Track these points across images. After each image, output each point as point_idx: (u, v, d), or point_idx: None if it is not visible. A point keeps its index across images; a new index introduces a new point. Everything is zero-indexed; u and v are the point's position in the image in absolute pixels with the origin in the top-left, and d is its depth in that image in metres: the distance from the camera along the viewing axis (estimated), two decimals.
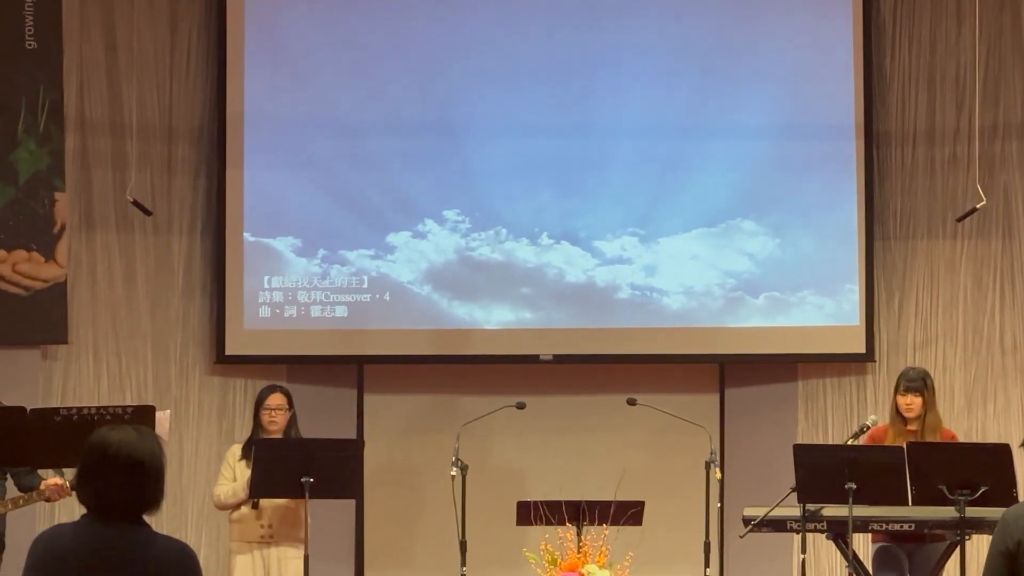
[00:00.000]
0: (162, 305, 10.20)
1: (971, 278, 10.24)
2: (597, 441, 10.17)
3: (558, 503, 8.28)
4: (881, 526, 8.08)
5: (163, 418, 7.30)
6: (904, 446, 7.87)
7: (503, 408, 9.08)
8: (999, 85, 10.23)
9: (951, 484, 7.64)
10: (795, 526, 8.02)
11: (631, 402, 9.16)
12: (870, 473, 7.73)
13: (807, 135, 10.11)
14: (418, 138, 10.15)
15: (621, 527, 8.18)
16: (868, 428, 8.40)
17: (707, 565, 8.42)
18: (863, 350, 10.10)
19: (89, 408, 7.17)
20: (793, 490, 7.86)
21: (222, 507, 8.64)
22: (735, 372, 10.27)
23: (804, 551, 8.05)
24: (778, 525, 8.05)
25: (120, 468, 4.16)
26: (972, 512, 7.66)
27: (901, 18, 10.33)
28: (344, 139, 10.16)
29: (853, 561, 8.13)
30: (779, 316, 10.11)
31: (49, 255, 9.86)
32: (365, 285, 10.16)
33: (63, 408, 7.31)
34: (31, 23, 9.80)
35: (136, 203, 9.40)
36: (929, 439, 8.28)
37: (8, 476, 8.03)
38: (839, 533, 7.99)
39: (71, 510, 8.34)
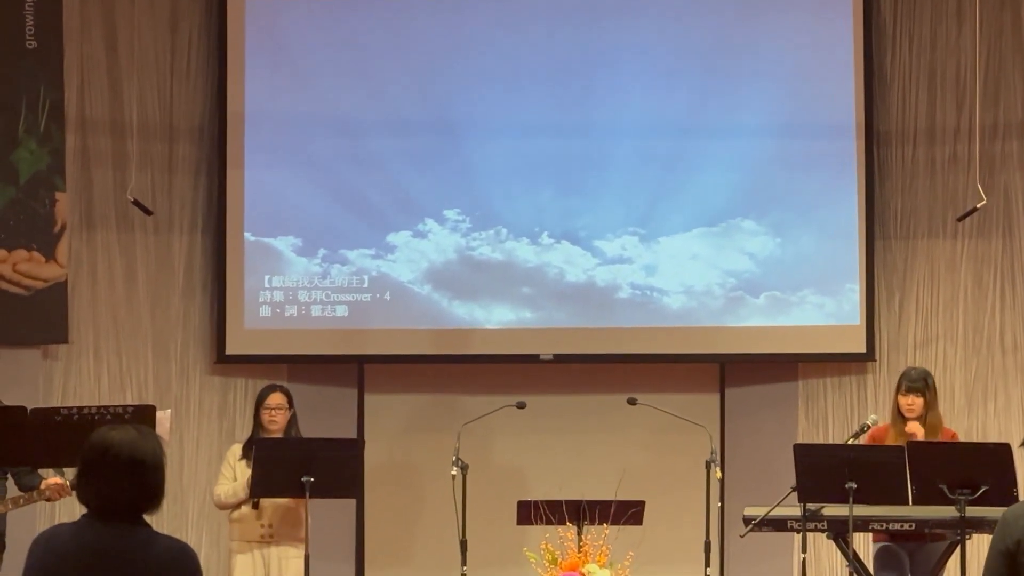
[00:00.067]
0: (163, 305, 10.20)
1: (971, 277, 10.24)
2: (597, 441, 10.18)
3: (558, 503, 8.28)
4: (881, 526, 8.08)
5: (163, 418, 7.31)
6: (904, 445, 7.87)
7: (503, 408, 9.08)
8: (999, 84, 10.23)
9: (951, 484, 7.63)
10: (795, 526, 8.02)
11: (631, 401, 9.16)
12: (870, 473, 7.72)
13: (807, 134, 10.11)
14: (418, 138, 10.15)
15: (621, 526, 8.18)
16: (868, 427, 8.39)
17: (707, 564, 8.42)
18: (863, 349, 10.10)
19: (90, 408, 7.18)
20: (793, 489, 7.86)
21: (222, 507, 8.64)
22: (735, 371, 10.27)
23: (804, 551, 8.05)
24: (778, 525, 8.05)
25: (121, 468, 4.16)
26: (972, 512, 7.65)
27: (901, 17, 10.33)
28: (344, 138, 10.16)
29: (853, 561, 8.13)
30: (779, 315, 10.11)
31: (50, 255, 9.86)
32: (365, 285, 10.16)
33: (63, 408, 7.33)
34: (31, 22, 9.80)
35: (136, 203, 9.40)
36: (930, 439, 8.28)
37: (9, 475, 8.04)
38: (839, 533, 7.99)
39: (71, 510, 8.34)
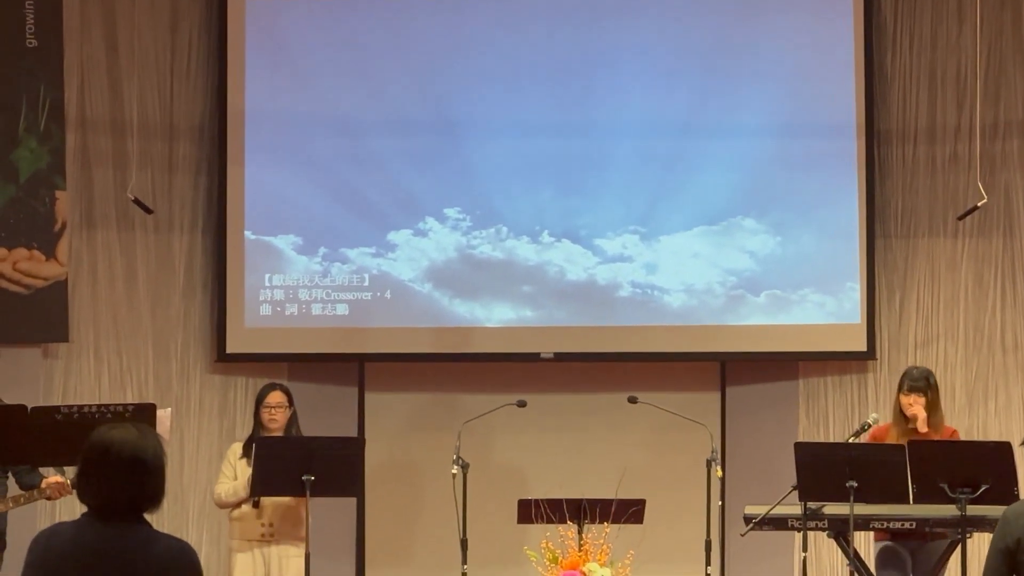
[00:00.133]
0: (163, 303, 10.20)
1: (972, 276, 10.24)
2: (598, 439, 10.17)
3: (559, 501, 8.28)
4: (882, 524, 8.08)
5: (164, 416, 7.31)
6: (905, 444, 7.87)
7: (504, 406, 9.08)
8: (1000, 83, 10.23)
9: (952, 482, 7.63)
10: (796, 524, 8.01)
11: (632, 400, 9.16)
12: (871, 471, 7.72)
13: (808, 134, 10.11)
14: (419, 137, 10.16)
15: (622, 525, 8.18)
16: (869, 426, 8.38)
17: (708, 563, 8.42)
18: (864, 348, 10.10)
19: (90, 406, 7.18)
20: (794, 488, 7.85)
21: (223, 505, 8.64)
22: (736, 370, 10.27)
23: (805, 549, 8.05)
24: (779, 523, 8.05)
25: (121, 466, 4.16)
26: (973, 510, 7.64)
27: (902, 17, 10.33)
28: (345, 138, 10.16)
29: (854, 559, 8.12)
30: (780, 314, 10.11)
31: (50, 253, 9.86)
32: (366, 283, 10.16)
33: (64, 406, 7.33)
34: (32, 21, 9.80)
35: (137, 201, 9.40)
36: (932, 438, 8.27)
37: (9, 474, 8.03)
38: (840, 531, 7.99)
39: (72, 508, 8.34)
